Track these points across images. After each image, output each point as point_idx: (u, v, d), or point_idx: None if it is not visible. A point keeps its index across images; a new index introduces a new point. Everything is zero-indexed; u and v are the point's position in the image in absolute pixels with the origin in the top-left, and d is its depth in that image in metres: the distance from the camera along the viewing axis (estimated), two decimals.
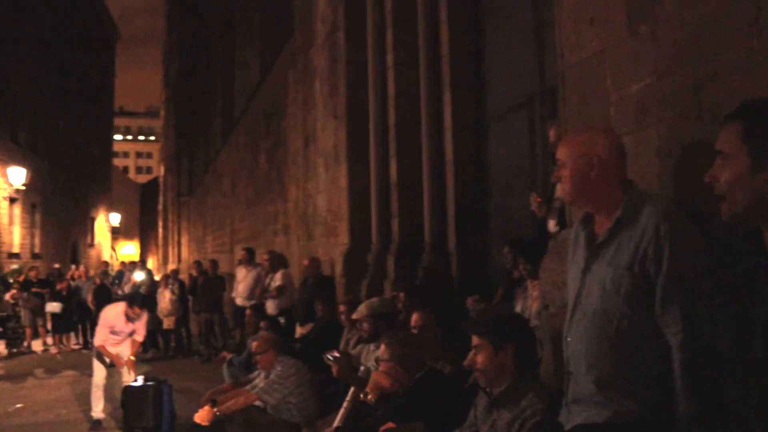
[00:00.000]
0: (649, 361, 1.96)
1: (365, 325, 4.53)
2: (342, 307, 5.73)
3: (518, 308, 4.16)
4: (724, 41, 2.23)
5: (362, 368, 4.46)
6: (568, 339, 2.14)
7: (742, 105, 1.54)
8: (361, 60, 7.22)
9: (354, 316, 4.81)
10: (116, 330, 6.76)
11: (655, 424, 1.95)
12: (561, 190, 2.22)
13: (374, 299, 4.80)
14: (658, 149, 2.52)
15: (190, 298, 12.18)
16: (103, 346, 6.70)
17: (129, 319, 6.73)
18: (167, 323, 11.76)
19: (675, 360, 1.90)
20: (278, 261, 8.66)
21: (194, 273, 12.74)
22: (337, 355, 4.19)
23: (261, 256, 9.75)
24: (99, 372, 6.79)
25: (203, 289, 11.54)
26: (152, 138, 73.50)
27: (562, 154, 2.15)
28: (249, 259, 9.86)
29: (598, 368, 2.03)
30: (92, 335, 7.16)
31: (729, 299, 1.55)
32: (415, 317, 3.82)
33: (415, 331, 3.73)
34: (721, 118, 1.61)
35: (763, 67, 2.07)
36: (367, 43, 7.10)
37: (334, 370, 4.19)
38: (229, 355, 7.23)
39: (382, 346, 3.29)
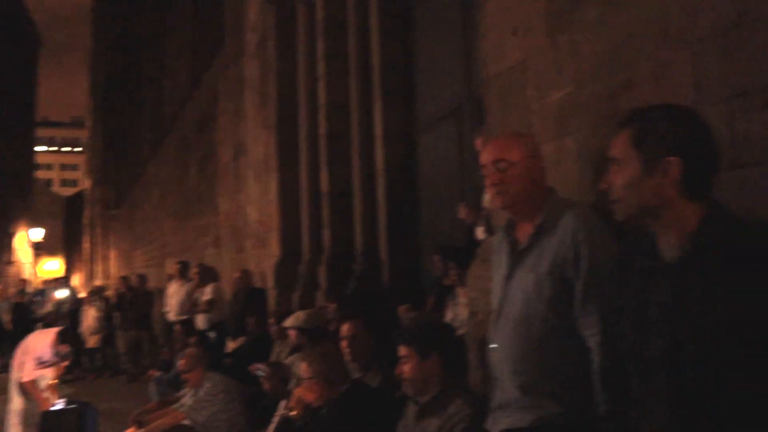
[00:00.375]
0: (570, 363, 1.99)
1: (292, 335, 4.49)
2: (272, 319, 5.64)
3: (449, 316, 4.18)
4: (638, 52, 2.31)
5: (294, 380, 4.39)
6: (493, 345, 2.15)
7: (633, 112, 1.57)
8: (291, 70, 7.17)
9: (284, 324, 4.74)
10: (43, 360, 6.38)
11: (578, 425, 1.98)
12: (498, 194, 2.09)
13: (302, 313, 4.74)
14: (578, 156, 2.59)
15: (116, 314, 11.75)
16: (31, 383, 6.24)
17: (56, 354, 6.34)
18: (92, 342, 11.30)
19: (594, 361, 1.93)
20: (208, 274, 8.46)
21: (121, 289, 12.31)
22: (263, 369, 4.11)
23: (191, 270, 9.51)
24: (16, 397, 6.41)
25: (130, 305, 11.15)
26: (78, 149, 70.82)
27: (506, 153, 2.07)
28: (182, 273, 9.59)
29: (522, 373, 2.04)
30: (10, 357, 6.73)
31: (628, 300, 1.58)
32: (345, 327, 3.78)
33: (345, 342, 3.68)
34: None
35: (672, 77, 2.15)
36: (297, 53, 7.06)
37: (265, 385, 4.11)
38: (156, 373, 6.99)
39: (302, 365, 3.25)
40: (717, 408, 1.37)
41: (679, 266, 1.47)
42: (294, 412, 3.09)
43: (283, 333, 5.15)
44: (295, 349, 4.62)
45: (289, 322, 4.63)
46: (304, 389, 3.18)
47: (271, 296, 7.15)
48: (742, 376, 1.34)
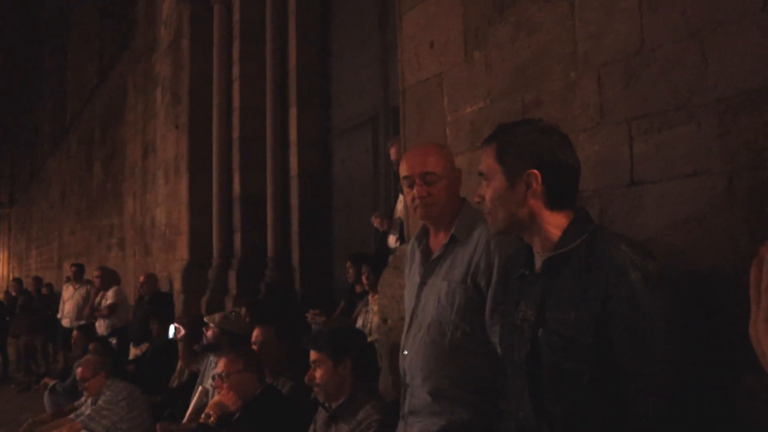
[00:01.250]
0: (480, 370, 2.04)
1: (210, 333, 4.35)
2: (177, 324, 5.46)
3: (360, 322, 4.21)
4: (548, 72, 2.42)
5: (200, 388, 4.27)
6: (405, 352, 2.18)
7: (498, 128, 1.66)
8: (206, 69, 7.02)
9: (206, 319, 4.60)
10: None
11: (486, 429, 2.03)
12: (426, 205, 2.08)
13: (233, 314, 4.62)
14: None
15: (7, 320, 11.03)
16: None
17: None
18: None
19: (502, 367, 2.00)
20: (110, 277, 8.10)
21: (13, 292, 11.59)
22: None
23: (92, 273, 9.11)
24: None
25: (23, 309, 10.51)
26: None
27: (434, 166, 2.08)
28: (77, 276, 9.15)
29: (433, 379, 2.07)
30: None
31: (507, 306, 1.69)
32: (256, 333, 3.74)
33: (255, 347, 3.64)
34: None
35: (578, 97, 2.27)
36: (212, 53, 6.91)
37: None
38: (51, 382, 6.62)
39: (222, 361, 3.18)
40: (571, 410, 1.46)
41: (541, 275, 1.56)
42: (212, 419, 3.01)
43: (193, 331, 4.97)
44: (205, 347, 4.46)
45: (215, 316, 4.48)
46: (224, 394, 3.11)
47: (178, 301, 6.94)
48: (590, 380, 1.44)
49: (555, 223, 1.56)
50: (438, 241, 2.17)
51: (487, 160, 1.61)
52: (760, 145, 1.66)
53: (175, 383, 5.11)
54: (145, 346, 6.60)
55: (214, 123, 6.76)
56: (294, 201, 5.81)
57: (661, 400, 1.38)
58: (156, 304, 6.84)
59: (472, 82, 2.80)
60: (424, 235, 2.23)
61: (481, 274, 2.02)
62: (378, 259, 4.09)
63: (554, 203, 1.56)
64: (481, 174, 1.63)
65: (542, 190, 1.54)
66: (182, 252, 7.21)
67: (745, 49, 1.70)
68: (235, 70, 6.51)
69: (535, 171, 1.54)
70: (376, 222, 4.31)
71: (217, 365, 3.32)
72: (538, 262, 1.58)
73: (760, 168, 1.66)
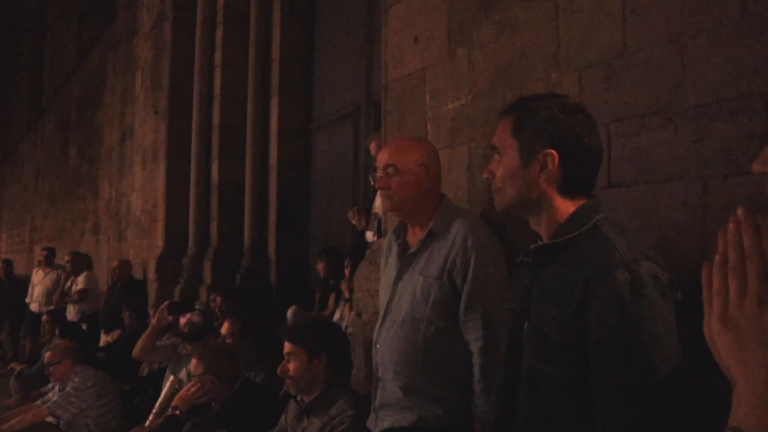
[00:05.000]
0: (452, 366, 2.05)
1: (196, 318, 4.27)
2: (151, 312, 5.42)
3: (338, 315, 4.21)
4: (530, 71, 2.42)
5: (171, 378, 4.22)
6: (378, 346, 2.18)
7: (518, 99, 1.52)
8: (187, 55, 6.94)
9: (196, 303, 4.55)
10: None
11: (457, 425, 2.04)
12: (385, 197, 2.14)
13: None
14: (469, 165, 2.68)
15: None
16: None
17: None
18: None
19: (475, 365, 2.00)
20: (82, 263, 8.00)
21: None
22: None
23: (64, 257, 8.99)
24: None
25: None
26: None
27: (396, 159, 2.10)
28: (48, 260, 9.01)
29: (404, 374, 2.08)
30: None
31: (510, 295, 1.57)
32: (225, 325, 3.72)
33: (228, 340, 3.62)
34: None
35: None
36: (195, 39, 6.84)
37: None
38: (18, 367, 6.52)
39: (194, 361, 3.14)
40: (546, 415, 1.35)
41: (532, 264, 1.43)
42: (179, 412, 2.97)
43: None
44: (189, 336, 4.40)
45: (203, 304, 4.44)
46: (191, 387, 3.08)
47: (152, 289, 6.88)
48: (566, 386, 1.31)
49: (564, 210, 1.40)
50: (415, 235, 2.17)
51: (503, 134, 1.45)
52: (733, 152, 1.69)
53: (145, 371, 5.06)
54: (116, 333, 6.53)
55: (194, 109, 6.69)
56: (272, 191, 5.77)
57: (630, 424, 1.22)
58: (128, 292, 6.77)
59: (455, 79, 2.80)
60: (402, 230, 2.24)
61: (457, 271, 2.03)
62: (355, 254, 4.08)
63: (568, 189, 1.40)
64: (493, 148, 1.47)
65: (558, 173, 1.38)
66: (157, 239, 7.14)
67: (723, 58, 1.72)
68: (218, 56, 6.45)
69: (553, 151, 1.38)
70: (353, 219, 4.30)
71: (192, 355, 3.29)
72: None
73: (733, 175, 1.69)
